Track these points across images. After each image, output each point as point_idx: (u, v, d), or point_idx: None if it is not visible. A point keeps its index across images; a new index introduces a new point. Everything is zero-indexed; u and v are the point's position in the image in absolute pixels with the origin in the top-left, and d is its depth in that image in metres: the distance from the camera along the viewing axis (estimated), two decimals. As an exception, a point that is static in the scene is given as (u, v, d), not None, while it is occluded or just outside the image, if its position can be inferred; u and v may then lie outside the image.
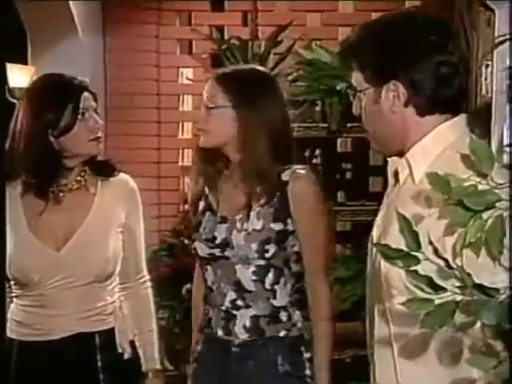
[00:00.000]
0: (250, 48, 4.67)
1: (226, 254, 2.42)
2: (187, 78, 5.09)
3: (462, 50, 1.88)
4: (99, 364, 2.42)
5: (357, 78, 1.80)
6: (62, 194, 2.43)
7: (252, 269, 2.41)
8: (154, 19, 4.96)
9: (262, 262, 2.41)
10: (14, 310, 2.47)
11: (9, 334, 2.43)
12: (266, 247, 2.40)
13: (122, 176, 2.55)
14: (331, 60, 4.40)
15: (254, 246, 2.39)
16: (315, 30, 4.90)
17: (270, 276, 2.42)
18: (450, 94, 1.75)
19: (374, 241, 1.77)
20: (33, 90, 2.48)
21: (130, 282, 2.56)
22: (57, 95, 2.39)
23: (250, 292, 2.42)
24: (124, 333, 2.48)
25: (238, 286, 2.42)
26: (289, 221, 2.41)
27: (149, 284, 2.62)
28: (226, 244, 2.42)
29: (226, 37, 4.87)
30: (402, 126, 1.76)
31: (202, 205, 2.52)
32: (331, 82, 4.27)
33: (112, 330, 2.46)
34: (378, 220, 1.83)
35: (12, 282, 2.46)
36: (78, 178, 2.46)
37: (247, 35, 4.79)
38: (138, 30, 4.90)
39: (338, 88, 4.24)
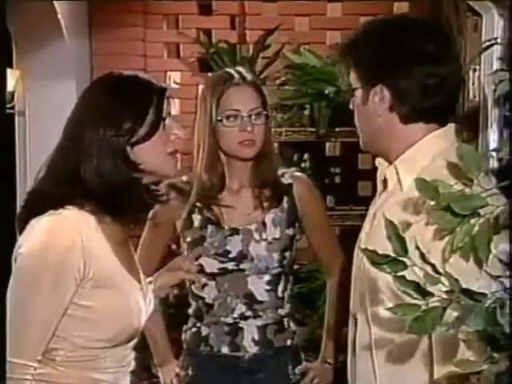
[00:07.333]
0: (238, 51, 4.66)
1: (242, 266, 2.38)
2: (175, 82, 5.07)
3: (458, 60, 1.86)
4: None
5: (352, 76, 1.82)
6: None
7: (266, 278, 2.39)
8: (140, 22, 4.92)
9: (278, 270, 2.40)
10: None
11: None
12: (285, 254, 2.40)
13: None
14: (320, 64, 4.41)
15: (276, 256, 2.38)
16: (303, 34, 4.88)
17: (282, 283, 2.42)
18: (435, 104, 1.72)
19: (362, 246, 1.76)
20: (104, 89, 1.93)
21: None
22: (140, 95, 1.96)
23: (261, 303, 2.39)
24: None
25: (249, 298, 2.39)
26: (296, 224, 2.44)
27: None
28: (242, 256, 2.37)
29: (213, 40, 4.85)
30: (387, 131, 1.76)
31: (198, 218, 2.44)
32: (320, 87, 4.28)
33: None
34: (365, 225, 1.83)
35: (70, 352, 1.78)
36: None
37: (235, 39, 4.78)
38: (125, 34, 4.86)
39: (327, 92, 4.25)
